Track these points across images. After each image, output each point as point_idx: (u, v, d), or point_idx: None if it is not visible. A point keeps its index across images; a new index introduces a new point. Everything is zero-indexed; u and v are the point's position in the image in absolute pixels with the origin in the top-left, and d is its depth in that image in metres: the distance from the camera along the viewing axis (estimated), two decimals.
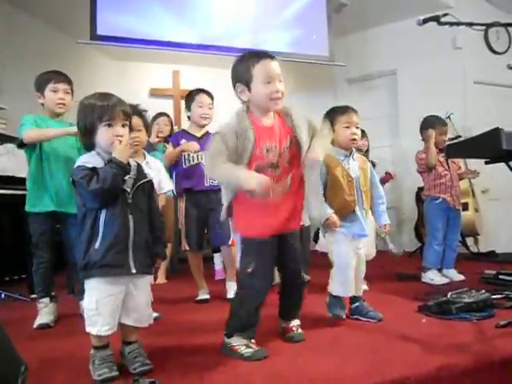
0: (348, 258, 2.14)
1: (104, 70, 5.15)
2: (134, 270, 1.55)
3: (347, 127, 2.18)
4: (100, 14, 3.77)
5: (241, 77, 1.72)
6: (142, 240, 1.58)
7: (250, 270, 1.73)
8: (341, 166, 2.15)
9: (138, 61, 5.22)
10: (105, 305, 1.51)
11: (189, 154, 2.75)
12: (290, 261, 1.84)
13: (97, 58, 5.04)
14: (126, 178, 1.58)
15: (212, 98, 2.86)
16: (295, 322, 1.93)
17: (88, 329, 1.54)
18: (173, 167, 2.85)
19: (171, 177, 2.83)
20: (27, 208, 2.31)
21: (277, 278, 1.98)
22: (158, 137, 3.58)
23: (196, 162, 2.74)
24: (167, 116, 3.70)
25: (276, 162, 1.72)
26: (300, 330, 1.91)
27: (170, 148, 2.84)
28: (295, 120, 1.76)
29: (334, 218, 2.08)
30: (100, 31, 3.75)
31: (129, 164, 1.62)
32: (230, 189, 1.74)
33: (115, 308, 1.54)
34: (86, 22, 3.77)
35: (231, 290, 2.77)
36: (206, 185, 2.74)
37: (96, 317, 1.51)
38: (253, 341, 1.74)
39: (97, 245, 1.51)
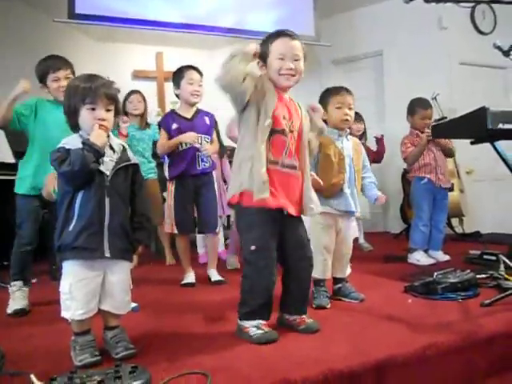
0: (326, 239, 2.15)
1: (85, 51, 4.99)
2: (107, 254, 1.51)
3: (339, 108, 2.19)
4: None
5: (262, 53, 1.76)
6: (118, 224, 1.55)
7: (253, 247, 1.69)
8: (333, 145, 2.18)
9: (121, 42, 5.08)
10: (78, 289, 1.48)
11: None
12: (297, 245, 1.79)
13: (77, 38, 4.88)
14: (107, 160, 1.54)
15: (201, 74, 2.79)
16: (303, 315, 1.81)
17: (63, 313, 1.52)
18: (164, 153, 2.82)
19: (163, 161, 2.80)
20: (15, 189, 2.29)
21: None
22: (133, 114, 3.51)
23: (188, 145, 2.70)
24: (139, 93, 3.61)
25: (290, 131, 1.75)
26: (311, 320, 1.79)
27: (163, 134, 2.75)
28: (304, 112, 1.84)
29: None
30: (78, 9, 3.62)
31: (112, 148, 1.59)
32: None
33: (90, 292, 1.50)
34: (64, 0, 3.64)
35: (214, 276, 2.78)
36: (198, 168, 2.72)
37: (69, 301, 1.49)
38: (264, 322, 1.69)
39: (71, 227, 1.49)
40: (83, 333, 1.53)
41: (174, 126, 2.72)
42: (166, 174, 2.86)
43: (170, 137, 2.73)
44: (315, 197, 1.83)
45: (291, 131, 1.76)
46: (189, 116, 2.77)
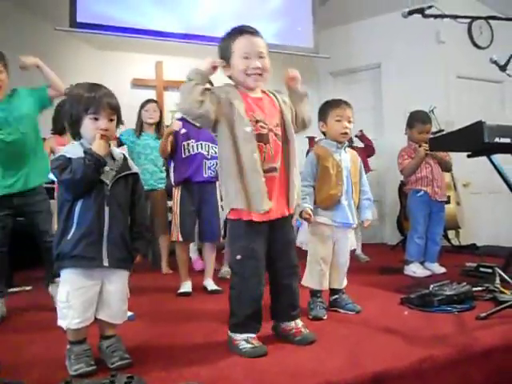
0: (323, 250, 2.16)
1: (85, 59, 5.02)
2: (106, 263, 1.51)
3: (339, 121, 2.20)
4: (80, 1, 3.66)
5: (223, 53, 1.71)
6: (117, 233, 1.54)
7: (238, 256, 1.67)
8: (332, 157, 2.19)
9: (121, 50, 5.10)
10: (76, 297, 1.48)
11: (188, 144, 2.74)
12: (284, 251, 1.74)
13: (78, 46, 4.90)
14: (108, 169, 1.55)
15: (211, 83, 2.81)
16: (299, 324, 1.78)
17: (59, 322, 1.51)
18: (170, 158, 2.82)
19: (169, 167, 2.81)
20: None
21: None
22: (148, 123, 3.53)
23: (195, 151, 2.73)
24: (156, 102, 3.65)
25: (266, 134, 1.66)
26: (307, 330, 1.76)
27: (170, 138, 2.79)
28: (282, 102, 1.75)
29: (309, 211, 2.09)
30: (80, 18, 3.65)
31: (112, 157, 1.59)
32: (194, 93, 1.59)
33: (87, 301, 1.50)
34: (65, 9, 3.66)
35: (210, 286, 2.79)
36: (204, 175, 2.75)
37: (66, 309, 1.48)
38: (253, 336, 1.67)
39: (69, 235, 1.49)
40: (79, 342, 1.52)
41: (183, 130, 2.76)
42: (172, 179, 2.85)
43: (178, 141, 2.76)
44: (295, 193, 1.74)
45: (270, 130, 1.67)
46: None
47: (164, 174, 3.56)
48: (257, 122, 1.65)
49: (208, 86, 1.67)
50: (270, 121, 1.69)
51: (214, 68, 1.65)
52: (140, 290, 2.57)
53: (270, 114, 1.71)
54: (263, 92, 1.76)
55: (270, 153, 1.67)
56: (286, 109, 1.76)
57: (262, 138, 1.65)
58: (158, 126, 3.58)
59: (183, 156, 2.75)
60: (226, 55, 1.70)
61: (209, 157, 2.76)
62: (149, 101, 3.60)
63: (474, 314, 1.99)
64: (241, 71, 1.67)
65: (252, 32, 1.69)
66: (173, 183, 2.84)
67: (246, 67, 1.66)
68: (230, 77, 1.75)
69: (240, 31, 1.69)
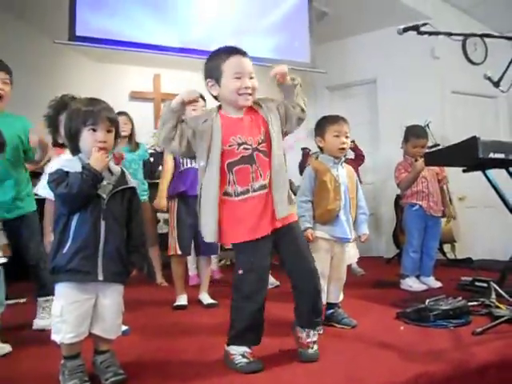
0: (321, 264, 2.15)
1: (83, 71, 5.05)
2: (101, 278, 1.51)
3: (337, 136, 2.22)
4: (79, 15, 3.70)
5: (212, 72, 1.71)
6: (113, 247, 1.54)
7: (240, 271, 1.67)
8: (329, 172, 2.20)
9: (119, 63, 5.14)
10: (70, 312, 1.47)
11: (183, 158, 2.75)
12: (296, 258, 1.72)
13: (76, 59, 4.93)
14: (105, 183, 1.55)
15: (204, 100, 2.83)
16: (313, 337, 1.76)
17: (53, 336, 1.50)
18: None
19: None
20: None
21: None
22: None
23: (190, 166, 2.75)
24: (126, 114, 3.58)
25: (250, 155, 1.67)
26: (315, 348, 1.74)
27: None
28: (266, 110, 1.73)
29: (311, 232, 2.11)
30: (79, 32, 3.68)
31: (110, 171, 1.60)
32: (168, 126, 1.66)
33: (81, 315, 1.49)
34: (65, 23, 3.70)
35: (206, 300, 2.77)
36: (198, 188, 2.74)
37: (60, 324, 1.47)
38: (249, 350, 1.66)
39: (65, 249, 1.49)
40: (73, 357, 1.50)
41: None
42: (169, 191, 2.84)
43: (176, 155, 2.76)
44: (285, 199, 1.71)
45: (254, 150, 1.67)
46: None
47: (146, 186, 3.55)
48: (239, 144, 1.67)
49: (183, 117, 1.71)
50: (254, 139, 1.69)
51: (184, 103, 1.67)
52: (135, 303, 2.56)
53: (252, 133, 1.70)
54: (249, 107, 1.74)
55: (258, 172, 1.68)
56: (273, 117, 1.73)
57: (247, 160, 1.67)
58: (130, 138, 3.53)
59: (180, 169, 2.76)
60: (214, 74, 1.70)
61: None
62: (118, 113, 3.57)
63: (470, 329, 1.99)
64: (232, 91, 1.67)
65: (242, 53, 1.71)
66: (168, 195, 2.83)
67: (239, 87, 1.66)
68: (215, 96, 1.76)
69: (230, 51, 1.70)
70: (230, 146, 1.66)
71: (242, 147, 1.67)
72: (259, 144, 1.69)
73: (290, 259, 1.73)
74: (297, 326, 1.79)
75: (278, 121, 1.74)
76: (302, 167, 3.99)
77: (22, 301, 2.89)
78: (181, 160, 2.76)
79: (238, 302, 1.68)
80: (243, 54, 1.71)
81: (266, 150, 1.70)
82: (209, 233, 1.69)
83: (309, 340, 1.75)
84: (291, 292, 1.77)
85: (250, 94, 1.69)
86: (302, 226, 1.98)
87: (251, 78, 1.69)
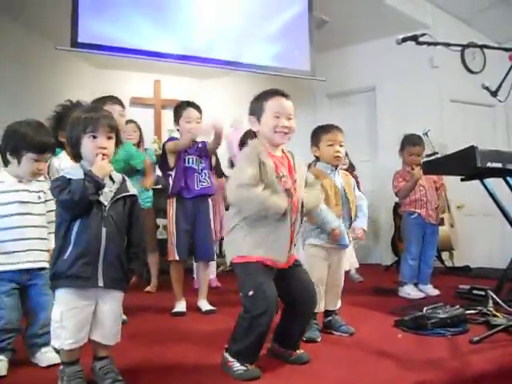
0: (319, 271, 2.17)
1: (84, 77, 5.10)
2: (101, 284, 1.51)
3: (331, 145, 2.25)
4: (82, 21, 3.71)
5: (254, 109, 1.84)
6: (114, 254, 1.55)
7: (251, 292, 1.66)
8: (328, 178, 2.23)
9: (119, 69, 5.18)
10: (69, 318, 1.48)
11: (184, 158, 2.78)
12: (300, 288, 1.80)
13: (77, 65, 4.98)
14: (106, 190, 1.57)
15: (200, 111, 2.86)
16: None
17: (52, 342, 1.51)
18: (168, 169, 2.83)
19: (166, 178, 2.84)
20: None
21: None
22: None
23: (190, 165, 2.78)
24: (134, 122, 3.64)
25: (290, 189, 1.76)
26: (302, 350, 1.83)
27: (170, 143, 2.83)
28: (297, 164, 1.85)
29: (340, 230, 2.15)
30: (81, 38, 3.69)
31: (111, 178, 1.62)
32: (256, 212, 1.70)
33: (81, 321, 1.50)
34: (67, 29, 3.72)
35: (204, 306, 2.77)
36: (196, 188, 2.78)
37: (59, 330, 1.48)
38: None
39: (66, 255, 1.50)
40: (72, 363, 1.51)
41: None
42: (169, 190, 2.84)
43: (180, 152, 2.79)
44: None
45: (291, 185, 1.77)
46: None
47: (150, 193, 3.55)
48: (282, 177, 1.76)
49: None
50: (291, 177, 1.80)
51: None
52: (134, 309, 2.56)
53: (290, 172, 1.81)
54: (282, 151, 1.85)
55: (295, 205, 1.77)
56: (298, 168, 1.84)
57: (288, 193, 1.75)
58: (139, 145, 3.55)
59: (182, 165, 2.78)
60: (256, 112, 1.83)
61: (199, 170, 2.81)
62: (127, 121, 3.60)
63: (467, 338, 1.99)
64: (270, 128, 1.78)
65: (285, 95, 1.83)
66: (168, 193, 2.83)
67: (276, 125, 1.78)
68: (254, 133, 1.87)
69: (274, 93, 1.83)
70: (278, 177, 1.74)
71: (283, 180, 1.75)
72: (293, 183, 1.79)
73: (297, 289, 1.80)
74: (276, 344, 1.85)
75: (302, 175, 1.86)
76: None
77: None
78: (186, 158, 2.79)
79: (248, 323, 1.66)
80: (286, 96, 1.83)
81: (297, 189, 1.79)
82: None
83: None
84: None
85: (286, 133, 1.80)
86: (331, 225, 2.11)
87: (289, 118, 1.80)
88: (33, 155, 1.79)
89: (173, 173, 2.81)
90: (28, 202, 1.81)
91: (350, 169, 4.08)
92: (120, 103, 2.62)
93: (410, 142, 3.36)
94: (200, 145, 2.89)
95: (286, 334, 1.83)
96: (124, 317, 2.19)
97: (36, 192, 1.85)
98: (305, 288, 1.81)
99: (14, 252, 1.76)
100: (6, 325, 1.70)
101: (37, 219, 1.83)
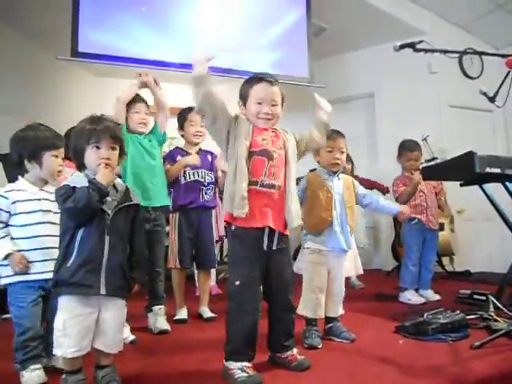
0: (318, 278, 2.18)
1: (84, 85, 5.12)
2: (103, 291, 1.52)
3: (330, 151, 2.26)
4: (82, 31, 3.73)
5: (241, 94, 1.89)
6: (116, 262, 1.57)
7: (237, 282, 1.70)
8: (322, 183, 2.24)
9: (120, 77, 5.18)
10: (72, 325, 1.49)
11: (184, 172, 2.78)
12: (278, 285, 1.81)
13: (78, 73, 5.00)
14: (110, 199, 1.59)
15: (147, 104, 2.89)
16: (294, 351, 1.86)
17: (55, 350, 1.52)
18: (171, 184, 2.83)
19: (169, 193, 2.83)
20: None
21: None
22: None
23: (192, 179, 2.78)
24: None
25: (271, 151, 1.79)
26: (302, 356, 1.84)
27: (167, 166, 2.81)
28: (287, 137, 1.89)
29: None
30: (81, 48, 3.71)
31: (115, 187, 1.64)
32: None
33: (83, 329, 1.51)
34: (67, 38, 3.75)
35: (205, 313, 2.78)
36: (200, 200, 2.78)
37: (62, 338, 1.49)
38: (249, 364, 1.69)
39: (69, 263, 1.51)
40: (74, 372, 1.52)
41: (179, 157, 2.81)
42: (170, 205, 2.84)
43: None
44: (295, 211, 1.81)
45: (274, 152, 1.80)
46: (192, 152, 2.86)
47: None
48: (263, 139, 1.79)
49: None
50: (275, 144, 1.83)
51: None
52: (136, 317, 2.56)
53: (274, 141, 1.84)
54: (274, 132, 1.88)
55: (272, 170, 1.78)
56: (289, 139, 1.89)
57: (266, 154, 1.78)
58: None
59: (183, 182, 2.78)
60: (243, 97, 1.88)
61: (205, 183, 2.81)
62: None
63: (468, 343, 2.00)
64: (253, 114, 1.83)
65: (270, 81, 1.84)
66: (171, 209, 2.86)
67: (258, 112, 1.82)
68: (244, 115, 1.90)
69: (259, 79, 1.84)
70: (256, 138, 1.79)
71: (264, 141, 1.80)
72: (278, 149, 1.82)
73: (275, 286, 1.81)
74: (274, 353, 1.86)
75: (292, 145, 1.89)
76: None
77: None
78: (183, 173, 2.78)
79: (235, 316, 1.70)
80: (272, 82, 1.84)
81: (283, 155, 1.83)
82: None
83: (293, 354, 1.83)
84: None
85: (269, 120, 1.83)
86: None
87: (273, 105, 1.83)
88: (52, 151, 1.81)
89: (174, 188, 2.82)
90: (49, 211, 1.80)
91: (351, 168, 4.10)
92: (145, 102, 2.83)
93: (407, 147, 3.39)
94: (210, 158, 2.91)
95: (273, 338, 1.85)
96: (132, 337, 2.21)
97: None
98: (282, 288, 1.82)
99: (38, 261, 1.75)
100: (34, 334, 1.71)
101: (57, 228, 1.82)
